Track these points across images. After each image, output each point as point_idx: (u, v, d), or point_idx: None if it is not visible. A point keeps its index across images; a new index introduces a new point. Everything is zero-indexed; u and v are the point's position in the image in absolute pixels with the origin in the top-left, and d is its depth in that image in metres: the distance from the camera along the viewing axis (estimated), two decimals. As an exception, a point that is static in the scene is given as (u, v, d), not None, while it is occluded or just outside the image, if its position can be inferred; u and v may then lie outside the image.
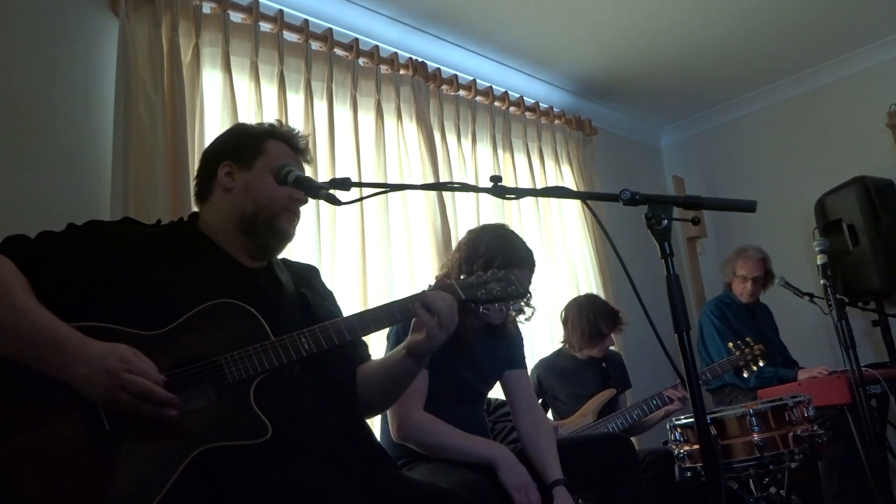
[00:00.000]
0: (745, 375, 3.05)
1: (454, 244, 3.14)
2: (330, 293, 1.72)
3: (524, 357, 2.30)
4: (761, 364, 2.97)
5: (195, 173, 1.62)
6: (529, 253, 2.15)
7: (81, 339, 1.20)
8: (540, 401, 3.12)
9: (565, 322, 3.11)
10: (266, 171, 1.52)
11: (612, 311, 3.05)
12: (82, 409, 1.18)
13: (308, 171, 1.63)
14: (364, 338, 1.59)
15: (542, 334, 3.62)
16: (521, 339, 2.31)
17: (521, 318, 2.22)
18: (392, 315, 1.44)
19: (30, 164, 2.16)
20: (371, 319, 1.43)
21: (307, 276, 1.68)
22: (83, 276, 1.32)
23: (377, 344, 2.38)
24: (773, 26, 3.83)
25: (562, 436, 2.72)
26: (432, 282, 1.84)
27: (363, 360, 1.62)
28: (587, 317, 3.01)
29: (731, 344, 3.06)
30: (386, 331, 2.05)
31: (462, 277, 1.54)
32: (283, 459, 1.25)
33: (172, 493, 1.14)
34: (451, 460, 1.91)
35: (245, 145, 1.56)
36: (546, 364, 3.13)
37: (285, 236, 1.55)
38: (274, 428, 1.23)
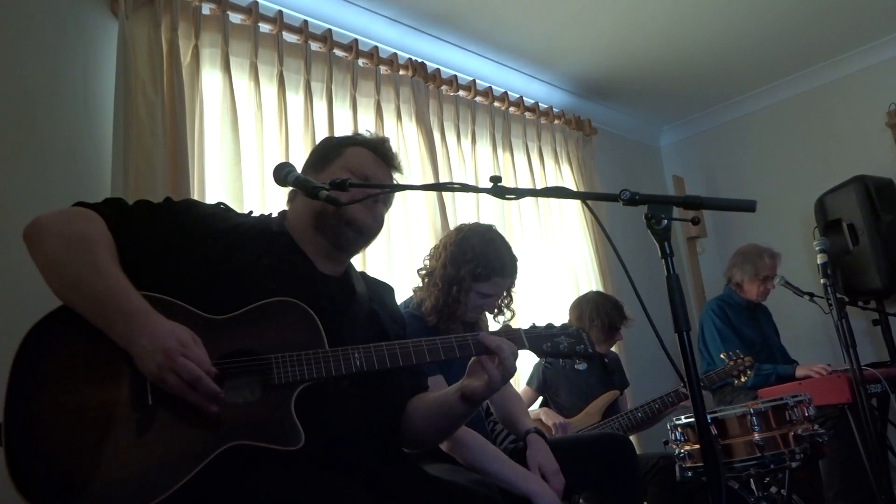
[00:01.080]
0: (736, 384, 3.05)
1: (454, 244, 3.15)
2: (401, 316, 1.70)
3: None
4: (750, 375, 2.99)
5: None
6: (514, 260, 2.17)
7: (149, 313, 1.21)
8: (540, 398, 3.13)
9: (580, 318, 3.11)
10: (341, 169, 1.52)
11: (619, 304, 3.11)
12: (133, 379, 1.20)
13: (399, 179, 1.63)
14: None
15: (542, 334, 3.61)
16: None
17: (499, 318, 2.25)
18: (451, 349, 1.40)
19: (29, 165, 2.17)
20: (429, 350, 1.40)
21: (382, 293, 1.67)
22: (166, 250, 1.35)
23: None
24: (773, 26, 3.83)
25: (565, 435, 2.73)
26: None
27: (419, 390, 1.60)
28: (604, 311, 3.06)
29: (723, 354, 3.07)
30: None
31: (532, 325, 1.51)
32: (310, 468, 1.24)
33: (195, 482, 1.14)
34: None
35: (326, 152, 1.59)
36: (553, 360, 3.12)
37: (361, 226, 1.51)
38: (308, 437, 1.22)
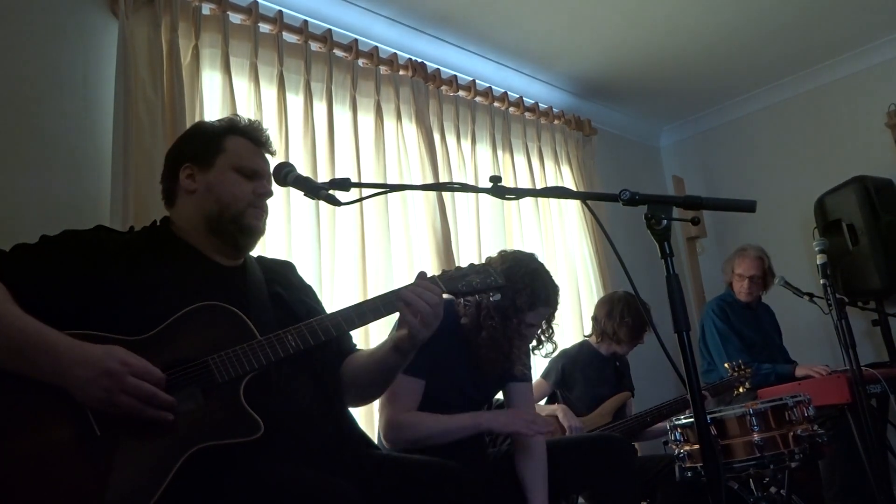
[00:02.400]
0: (735, 395, 3.07)
1: (454, 244, 3.15)
2: (309, 287, 1.72)
3: (530, 369, 2.29)
4: (748, 385, 3.02)
5: (159, 177, 1.62)
6: (556, 290, 2.18)
7: (74, 343, 1.19)
8: (551, 392, 3.12)
9: (609, 314, 3.08)
10: (227, 168, 1.52)
11: (647, 309, 3.09)
12: (71, 414, 1.17)
13: (274, 163, 1.62)
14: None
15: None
16: (529, 350, 2.28)
17: (539, 352, 2.24)
18: (377, 310, 1.44)
19: (30, 164, 2.16)
20: (356, 315, 1.43)
21: (282, 271, 1.68)
22: (63, 284, 1.32)
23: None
24: (773, 26, 3.83)
25: (563, 436, 2.73)
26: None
27: (349, 352, 1.63)
28: (636, 312, 3.02)
29: (727, 364, 3.12)
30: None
31: (443, 270, 1.55)
32: (275, 455, 1.26)
33: (167, 495, 1.14)
34: (441, 447, 1.91)
35: (204, 145, 1.56)
36: (572, 356, 3.12)
37: (254, 232, 1.54)
38: (266, 424, 1.24)
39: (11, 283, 1.28)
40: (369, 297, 2.74)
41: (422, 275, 1.48)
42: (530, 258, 2.17)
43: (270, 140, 1.64)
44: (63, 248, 1.39)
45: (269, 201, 1.59)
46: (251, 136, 1.59)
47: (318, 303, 1.68)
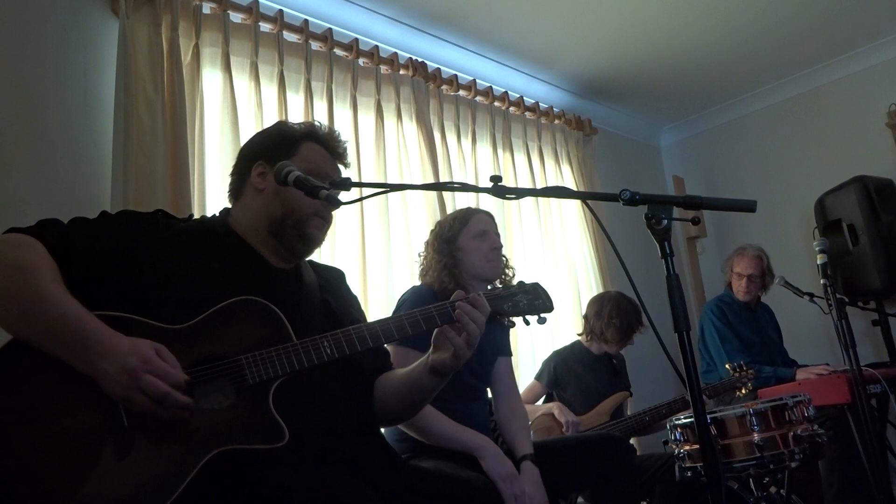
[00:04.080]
0: (737, 395, 3.07)
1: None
2: (355, 298, 1.71)
3: (510, 345, 2.38)
4: (750, 387, 3.02)
5: (231, 169, 1.60)
6: (460, 213, 2.35)
7: (108, 334, 1.19)
8: (547, 393, 3.13)
9: (598, 314, 3.10)
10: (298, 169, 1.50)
11: (639, 309, 3.11)
12: (103, 403, 1.18)
13: (347, 174, 1.60)
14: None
15: (542, 334, 3.62)
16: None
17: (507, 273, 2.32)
18: (416, 324, 1.40)
19: (30, 164, 2.16)
20: (395, 327, 1.40)
21: (333, 279, 1.67)
22: (113, 265, 1.32)
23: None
24: (773, 27, 3.83)
25: (562, 436, 2.74)
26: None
27: (385, 369, 1.60)
28: (625, 312, 3.05)
29: (728, 365, 3.12)
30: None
31: (489, 288, 1.53)
32: (298, 463, 1.24)
33: (188, 494, 1.13)
34: (444, 448, 1.94)
35: (280, 146, 1.54)
36: (564, 356, 3.14)
37: (314, 242, 1.53)
38: (291, 431, 1.22)
39: (61, 258, 1.28)
40: (369, 296, 2.79)
41: (459, 293, 1.45)
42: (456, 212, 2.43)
43: (346, 152, 1.62)
44: (118, 227, 1.39)
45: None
46: (327, 145, 1.58)
47: (363, 315, 1.67)
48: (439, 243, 2.24)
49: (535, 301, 1.53)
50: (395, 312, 2.17)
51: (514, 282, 2.09)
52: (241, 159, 1.59)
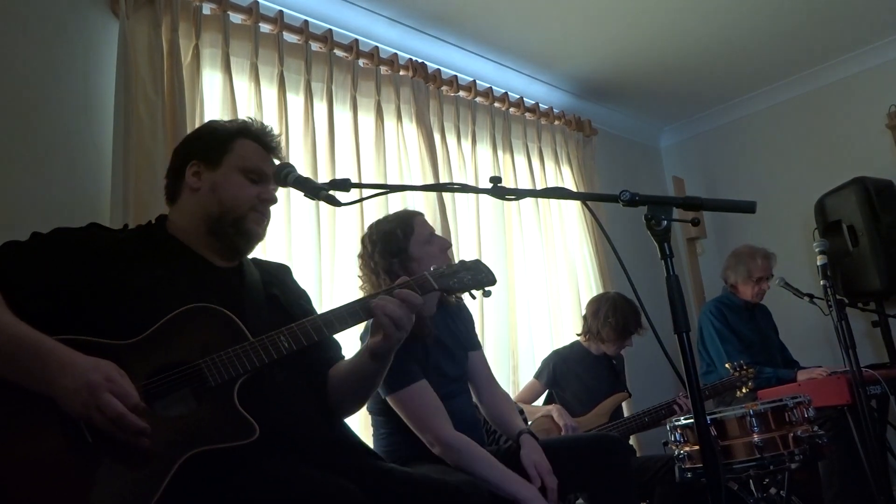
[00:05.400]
0: (738, 395, 3.06)
1: (454, 245, 3.16)
2: (304, 292, 1.70)
3: (477, 338, 2.38)
4: (750, 386, 3.02)
5: (160, 177, 1.61)
6: (401, 217, 2.19)
7: (66, 352, 1.17)
8: (546, 392, 3.13)
9: (595, 313, 3.11)
10: (233, 170, 1.50)
11: (638, 310, 3.11)
12: (64, 422, 1.16)
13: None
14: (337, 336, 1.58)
15: (542, 333, 3.62)
16: (472, 319, 2.39)
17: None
18: (356, 313, 1.42)
19: (30, 164, 2.16)
20: (336, 318, 1.41)
21: (279, 274, 1.66)
22: (54, 287, 1.30)
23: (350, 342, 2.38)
24: (773, 27, 3.83)
25: (561, 436, 2.73)
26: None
27: (335, 360, 1.61)
28: (621, 312, 3.05)
29: (728, 364, 3.11)
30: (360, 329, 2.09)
31: (433, 268, 1.54)
32: (271, 458, 1.24)
33: (164, 500, 1.12)
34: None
35: (213, 144, 1.54)
36: (564, 355, 3.15)
37: (253, 237, 1.53)
38: (261, 427, 1.22)
39: (2, 285, 1.27)
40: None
41: (402, 280, 1.48)
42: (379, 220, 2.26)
43: (281, 146, 1.62)
44: (54, 247, 1.37)
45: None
46: (261, 140, 1.58)
47: (313, 308, 1.67)
48: (385, 260, 2.09)
49: (479, 276, 1.55)
50: None
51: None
52: (174, 161, 1.58)
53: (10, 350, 1.17)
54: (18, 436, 1.16)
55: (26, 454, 1.14)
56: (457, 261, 1.59)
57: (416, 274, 2.03)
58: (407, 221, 2.14)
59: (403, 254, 2.09)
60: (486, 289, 1.56)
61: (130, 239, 1.48)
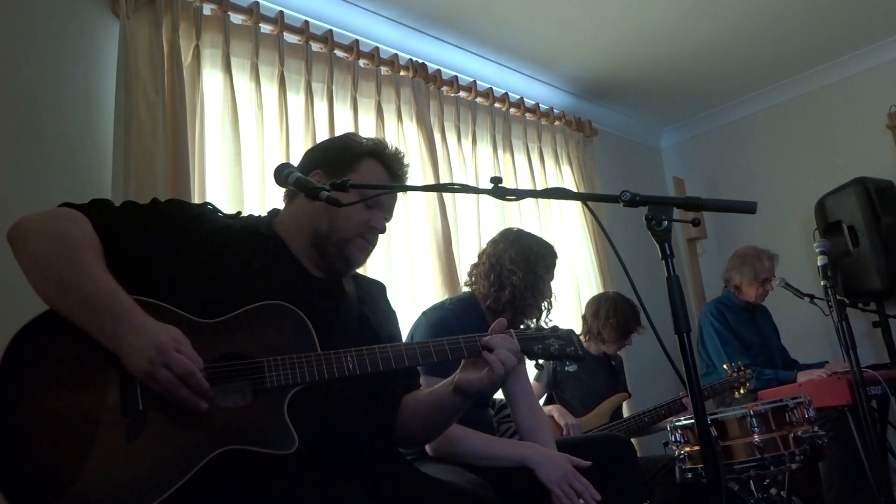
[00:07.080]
0: (736, 396, 3.06)
1: (454, 245, 3.16)
2: (394, 313, 1.68)
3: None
4: (749, 387, 3.02)
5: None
6: (550, 249, 2.35)
7: (141, 314, 1.20)
8: (546, 394, 3.13)
9: (595, 314, 3.11)
10: (353, 190, 1.46)
11: (637, 309, 3.11)
12: (122, 382, 1.18)
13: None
14: None
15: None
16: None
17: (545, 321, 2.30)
18: (443, 352, 1.39)
19: (30, 165, 2.17)
20: (421, 353, 1.38)
21: (373, 292, 1.64)
22: (154, 253, 1.33)
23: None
24: (774, 28, 3.83)
25: (565, 437, 2.73)
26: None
27: (412, 389, 1.58)
28: (622, 312, 3.06)
29: (726, 365, 3.11)
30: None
31: (521, 327, 1.53)
32: (302, 473, 1.23)
33: (187, 487, 1.13)
34: (475, 465, 1.89)
35: (341, 158, 1.52)
36: None
37: (353, 263, 1.51)
38: (301, 440, 1.21)
39: (108, 238, 1.30)
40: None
41: (500, 323, 1.45)
42: (520, 232, 2.41)
43: (406, 176, 1.59)
44: (165, 215, 1.40)
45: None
46: (389, 166, 1.55)
47: (399, 331, 1.65)
48: (524, 270, 2.19)
49: (567, 348, 1.51)
50: (435, 310, 2.19)
51: (549, 323, 2.16)
52: (303, 162, 1.57)
53: (92, 303, 1.20)
54: (77, 383, 1.17)
55: (77, 402, 1.16)
56: (550, 325, 1.56)
57: (529, 302, 2.12)
58: (551, 259, 2.33)
59: (538, 278, 2.21)
60: (569, 364, 1.52)
61: (238, 227, 1.48)
